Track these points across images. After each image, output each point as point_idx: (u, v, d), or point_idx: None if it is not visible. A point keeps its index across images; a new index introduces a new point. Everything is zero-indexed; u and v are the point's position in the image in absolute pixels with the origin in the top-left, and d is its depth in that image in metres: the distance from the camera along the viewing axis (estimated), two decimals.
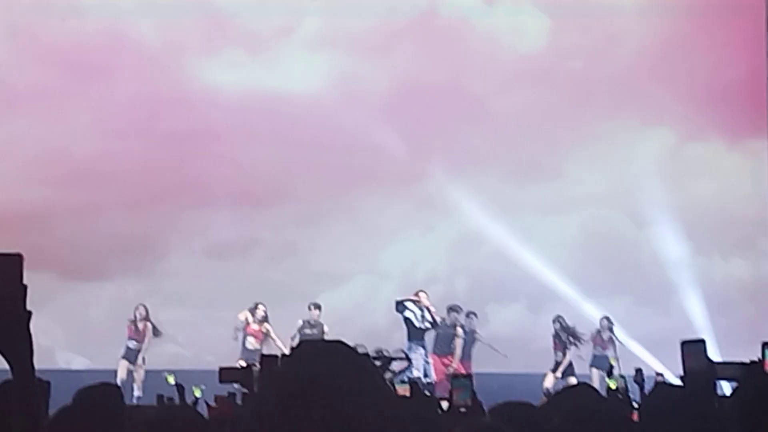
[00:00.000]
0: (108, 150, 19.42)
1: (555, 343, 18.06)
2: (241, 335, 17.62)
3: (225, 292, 19.09)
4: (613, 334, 18.16)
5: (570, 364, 17.96)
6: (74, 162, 19.36)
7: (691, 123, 20.14)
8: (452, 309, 17.97)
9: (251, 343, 17.44)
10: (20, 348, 2.78)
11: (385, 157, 19.71)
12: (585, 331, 18.39)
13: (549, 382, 17.54)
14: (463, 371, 16.86)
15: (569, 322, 18.09)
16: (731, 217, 19.96)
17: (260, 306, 17.55)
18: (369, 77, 20.05)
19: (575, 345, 17.92)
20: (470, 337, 18.02)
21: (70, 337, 19.26)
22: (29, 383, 2.82)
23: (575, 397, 3.62)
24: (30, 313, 2.80)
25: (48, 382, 6.15)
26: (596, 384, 17.30)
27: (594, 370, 17.95)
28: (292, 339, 17.52)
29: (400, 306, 17.26)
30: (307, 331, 17.65)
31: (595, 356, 18.14)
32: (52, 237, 19.16)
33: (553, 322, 18.09)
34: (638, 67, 20.07)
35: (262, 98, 19.68)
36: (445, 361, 17.72)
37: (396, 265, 20.04)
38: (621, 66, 20.15)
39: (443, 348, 17.81)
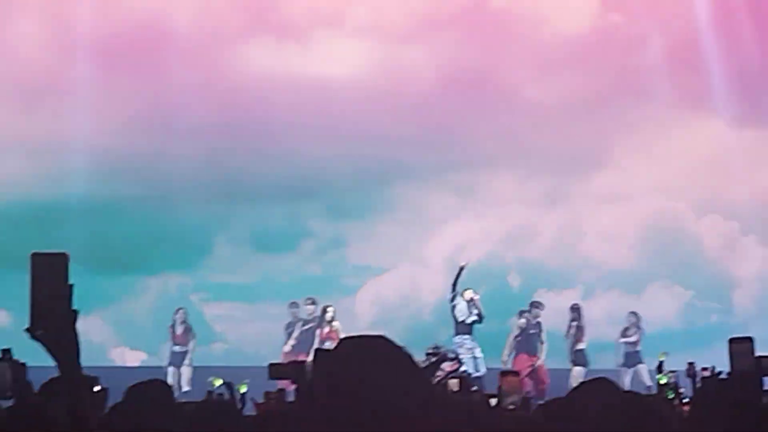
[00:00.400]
0: (151, 143, 19.47)
1: (569, 329, 17.89)
2: (318, 334, 17.60)
3: (270, 286, 19.12)
4: (641, 329, 18.01)
5: (581, 352, 17.79)
6: (117, 156, 19.41)
7: (741, 108, 19.82)
8: (534, 305, 17.90)
9: (328, 345, 17.43)
10: (67, 346, 2.82)
11: (429, 147, 19.64)
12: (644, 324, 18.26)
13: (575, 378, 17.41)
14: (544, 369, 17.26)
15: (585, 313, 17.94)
16: None
17: (329, 308, 17.63)
18: (412, 65, 19.98)
19: (582, 335, 17.84)
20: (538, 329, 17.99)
21: (121, 333, 19.38)
22: (76, 380, 2.86)
23: (593, 395, 3.61)
24: (77, 311, 2.84)
25: (96, 378, 6.24)
26: (627, 381, 17.37)
27: (623, 368, 17.83)
28: (293, 336, 17.78)
29: (454, 292, 17.25)
30: (305, 327, 17.81)
31: (626, 353, 17.94)
32: (96, 232, 19.27)
33: (571, 310, 17.96)
34: (686, 50, 19.81)
35: (306, 89, 19.64)
36: (532, 359, 17.72)
37: (441, 257, 19.95)
38: (670, 48, 19.91)
39: (529, 347, 17.76)
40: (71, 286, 2.84)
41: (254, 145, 19.73)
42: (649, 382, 17.23)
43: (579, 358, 17.67)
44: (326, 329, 17.56)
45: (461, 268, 17.29)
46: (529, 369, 17.31)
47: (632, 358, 17.92)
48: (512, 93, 20.04)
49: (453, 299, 17.27)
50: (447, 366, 10.65)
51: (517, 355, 17.64)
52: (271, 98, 19.61)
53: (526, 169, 19.87)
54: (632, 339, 17.96)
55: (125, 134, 19.49)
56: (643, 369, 17.71)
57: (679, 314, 19.40)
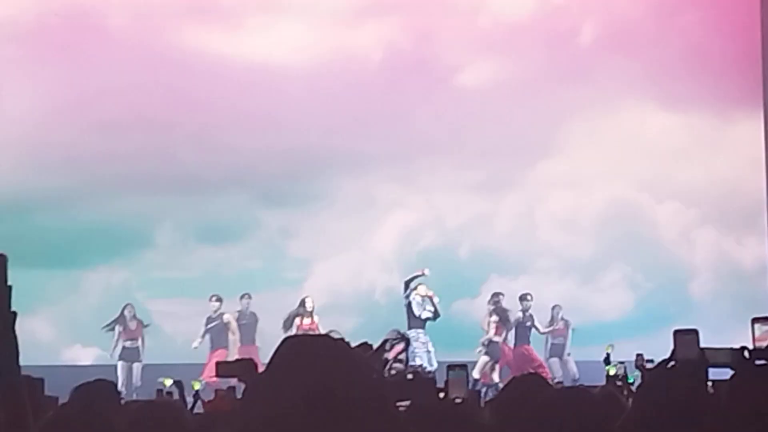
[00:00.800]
0: (89, 135, 19.23)
1: (489, 321, 18.12)
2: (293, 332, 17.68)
3: (213, 280, 19.02)
4: (567, 321, 18.42)
5: (493, 343, 18.05)
6: (55, 148, 19.20)
7: (686, 93, 19.85)
8: (523, 298, 18.47)
9: None
10: (6, 350, 2.82)
11: (369, 135, 19.54)
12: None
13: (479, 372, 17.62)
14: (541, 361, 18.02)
15: (506, 305, 18.20)
16: (731, 193, 19.74)
17: (308, 299, 17.72)
18: (352, 51, 19.86)
19: (505, 329, 18.14)
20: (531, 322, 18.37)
21: (70, 331, 19.21)
22: (16, 383, 2.86)
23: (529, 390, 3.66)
24: (15, 314, 2.83)
25: (41, 380, 6.22)
26: (555, 371, 17.65)
27: (552, 359, 18.26)
28: (203, 335, 18.13)
29: (407, 289, 17.34)
30: (210, 325, 17.98)
31: (552, 345, 18.35)
32: (33, 227, 19.08)
33: (489, 301, 18.23)
34: (627, 34, 19.83)
35: (246, 75, 19.45)
36: (525, 350, 18.06)
37: (387, 247, 19.88)
38: (611, 32, 19.92)
39: (522, 338, 18.31)
40: (10, 287, 2.84)
41: (194, 135, 19.46)
42: (577, 374, 17.61)
43: (492, 349, 17.81)
44: (308, 320, 17.60)
45: (416, 276, 17.33)
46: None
47: (558, 350, 18.35)
48: (452, 78, 19.96)
49: (407, 296, 17.34)
50: (393, 351, 10.58)
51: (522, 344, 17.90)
52: (210, 86, 19.41)
53: (470, 156, 19.75)
54: (562, 332, 18.32)
55: (55, 125, 19.26)
56: (571, 360, 18.21)
57: (633, 303, 19.51)
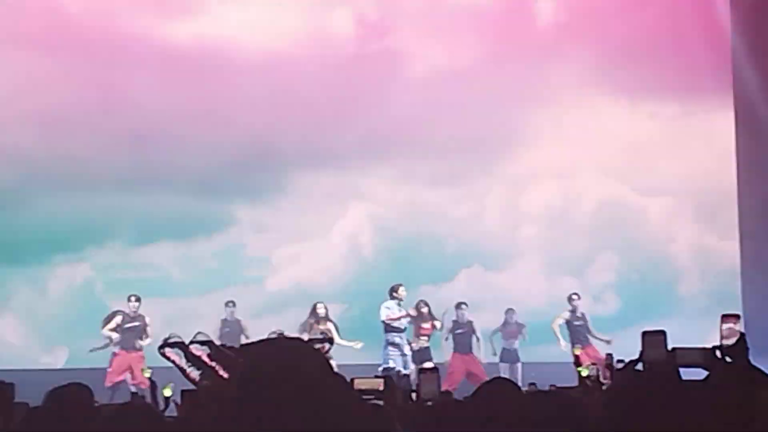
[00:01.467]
0: (44, 130, 19.10)
1: (418, 329, 17.96)
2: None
3: (172, 279, 18.94)
4: (521, 324, 18.24)
5: (425, 350, 17.91)
6: (11, 146, 19.06)
7: (651, 83, 19.81)
8: (460, 306, 18.26)
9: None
10: None
11: (322, 127, 19.37)
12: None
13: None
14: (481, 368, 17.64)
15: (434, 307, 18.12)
16: (701, 186, 19.74)
17: (319, 305, 17.55)
18: (309, 39, 19.72)
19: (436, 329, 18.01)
20: (470, 329, 18.14)
21: (41, 335, 19.09)
22: None
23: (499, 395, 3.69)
24: None
25: (12, 384, 6.24)
26: (505, 375, 17.69)
27: (502, 364, 18.16)
28: (119, 333, 18.00)
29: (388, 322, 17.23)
30: (128, 324, 17.80)
31: (504, 349, 18.23)
32: None
33: (417, 304, 18.06)
34: (596, 22, 19.79)
35: (201, 67, 19.20)
36: (466, 358, 17.84)
37: (356, 240, 19.77)
38: (578, 20, 19.88)
39: (464, 347, 18.06)
40: None
41: (153, 128, 19.15)
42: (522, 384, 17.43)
43: (423, 354, 17.69)
44: (322, 326, 17.42)
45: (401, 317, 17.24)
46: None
47: (510, 356, 18.16)
48: (415, 67, 19.85)
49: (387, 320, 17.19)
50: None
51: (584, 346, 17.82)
52: (167, 77, 19.13)
53: (432, 148, 19.63)
54: (515, 336, 18.17)
55: (12, 122, 19.07)
56: (520, 367, 18.00)
57: (606, 300, 19.49)
